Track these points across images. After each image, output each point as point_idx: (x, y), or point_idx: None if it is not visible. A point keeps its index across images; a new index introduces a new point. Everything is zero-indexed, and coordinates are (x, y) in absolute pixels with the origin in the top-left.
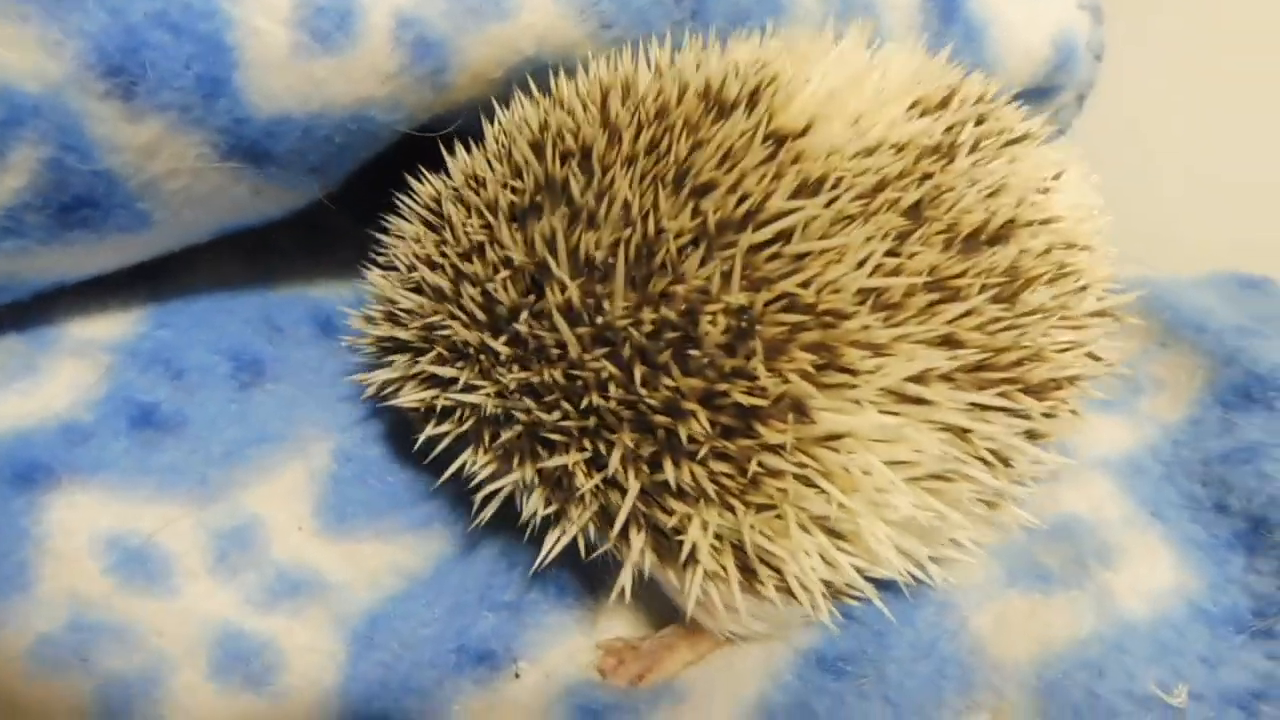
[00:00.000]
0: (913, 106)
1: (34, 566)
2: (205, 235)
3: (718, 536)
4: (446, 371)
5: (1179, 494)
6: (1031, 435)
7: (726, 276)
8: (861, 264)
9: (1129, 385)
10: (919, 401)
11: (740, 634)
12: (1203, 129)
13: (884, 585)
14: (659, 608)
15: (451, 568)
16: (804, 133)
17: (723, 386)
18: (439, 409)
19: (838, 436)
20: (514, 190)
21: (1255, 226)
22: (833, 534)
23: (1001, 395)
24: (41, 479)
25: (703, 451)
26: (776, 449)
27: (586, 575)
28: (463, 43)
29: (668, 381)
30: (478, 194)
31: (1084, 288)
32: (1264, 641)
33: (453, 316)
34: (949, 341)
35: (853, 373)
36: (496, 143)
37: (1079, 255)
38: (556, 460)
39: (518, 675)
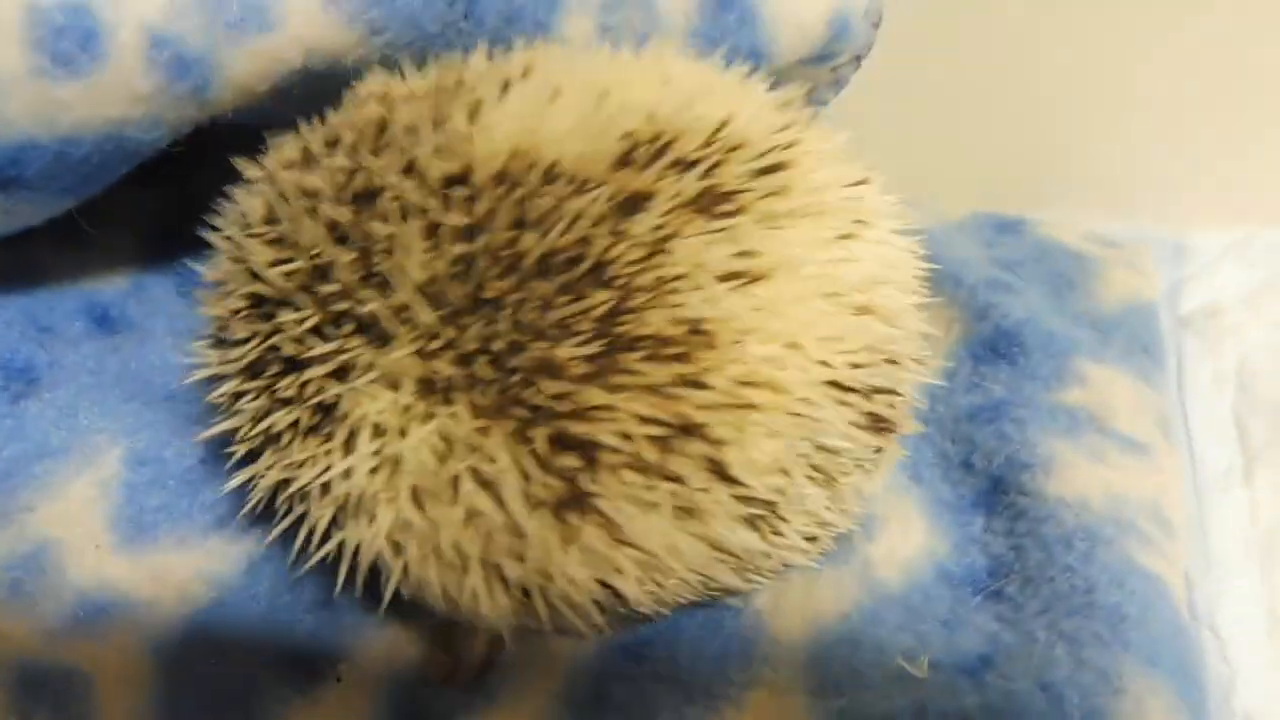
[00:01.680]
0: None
1: None
2: None
3: None
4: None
5: (934, 453)
6: None
7: None
8: None
9: None
10: None
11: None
12: (967, 65)
13: None
14: None
15: (262, 570)
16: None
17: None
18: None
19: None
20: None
21: (1011, 164)
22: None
23: None
24: None
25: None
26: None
27: None
28: (224, 58)
29: None
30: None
31: None
32: (994, 603)
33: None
34: None
35: None
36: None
37: None
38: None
39: (339, 679)
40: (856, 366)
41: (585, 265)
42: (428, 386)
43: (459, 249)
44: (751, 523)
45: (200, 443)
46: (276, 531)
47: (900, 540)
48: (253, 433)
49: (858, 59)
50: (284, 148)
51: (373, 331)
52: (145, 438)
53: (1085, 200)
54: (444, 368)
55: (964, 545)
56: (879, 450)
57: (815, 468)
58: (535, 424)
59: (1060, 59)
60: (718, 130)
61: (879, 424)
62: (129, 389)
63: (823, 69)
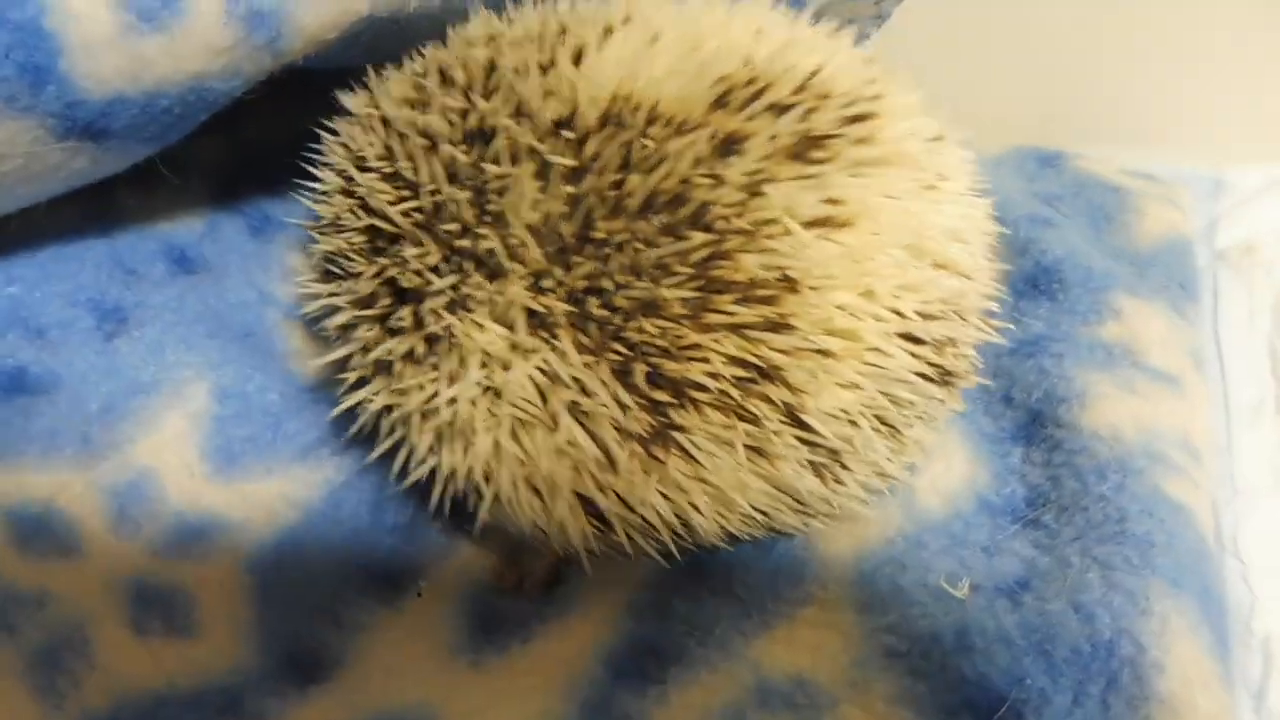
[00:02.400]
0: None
1: None
2: (42, 199)
3: None
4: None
5: (976, 388)
6: None
7: None
8: None
9: None
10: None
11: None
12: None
13: None
14: None
15: (344, 495)
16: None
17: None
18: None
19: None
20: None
21: (1051, 100)
22: None
23: None
24: None
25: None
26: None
27: None
28: (295, 9)
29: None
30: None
31: None
32: (1031, 530)
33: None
34: None
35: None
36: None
37: None
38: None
39: (420, 594)
40: (929, 318)
41: (686, 208)
42: (536, 321)
43: (568, 189)
44: (816, 469)
45: (282, 375)
46: (376, 454)
47: (943, 471)
48: (365, 361)
49: None
50: (393, 85)
51: (486, 267)
52: (229, 373)
53: (1124, 136)
54: (552, 304)
55: (1004, 476)
56: (941, 402)
57: (881, 419)
58: (634, 360)
59: None
60: (809, 78)
61: (945, 376)
62: (210, 326)
63: (866, 3)
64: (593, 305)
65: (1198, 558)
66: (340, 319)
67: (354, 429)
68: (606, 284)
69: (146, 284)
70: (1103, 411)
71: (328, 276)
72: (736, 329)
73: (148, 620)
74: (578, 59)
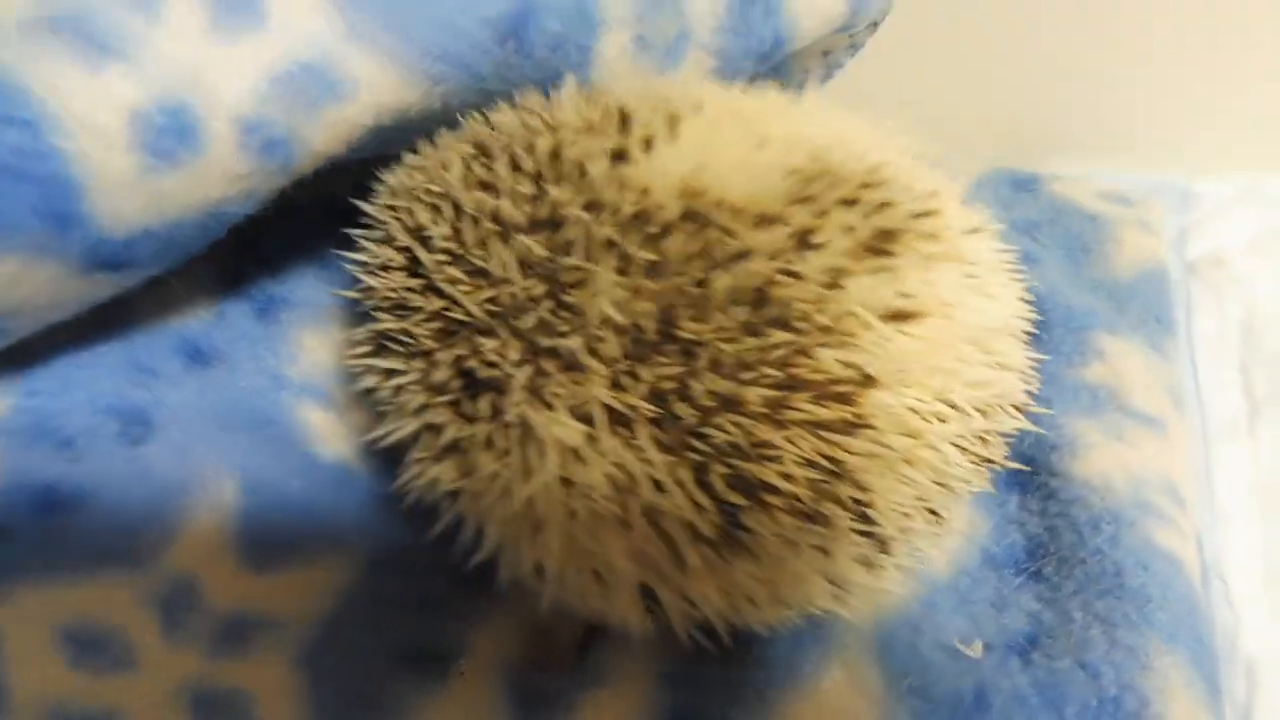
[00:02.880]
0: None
1: (3, 678)
2: (59, 320)
3: None
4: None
5: None
6: None
7: None
8: None
9: None
10: None
11: None
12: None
13: None
14: None
15: (379, 576)
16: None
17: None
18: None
19: None
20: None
21: (1021, 117)
22: None
23: None
24: None
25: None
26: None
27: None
28: (306, 133)
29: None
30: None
31: None
32: (1034, 584)
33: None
34: None
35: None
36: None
37: None
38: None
39: (462, 673)
40: (984, 413)
41: (768, 304)
42: (614, 417)
43: (650, 285)
44: (864, 559)
45: (303, 461)
46: (438, 529)
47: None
48: (436, 443)
49: (875, 24)
50: (453, 164)
51: (565, 361)
52: (254, 464)
53: (1095, 149)
54: (633, 400)
55: (1003, 526)
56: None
57: (932, 511)
58: (713, 461)
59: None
60: (873, 172)
61: (984, 462)
62: (230, 419)
63: (841, 37)
64: (674, 403)
65: (1189, 608)
66: (410, 401)
67: (406, 505)
68: (689, 381)
69: (164, 382)
70: (1093, 461)
71: (384, 351)
72: (813, 427)
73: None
74: (648, 148)
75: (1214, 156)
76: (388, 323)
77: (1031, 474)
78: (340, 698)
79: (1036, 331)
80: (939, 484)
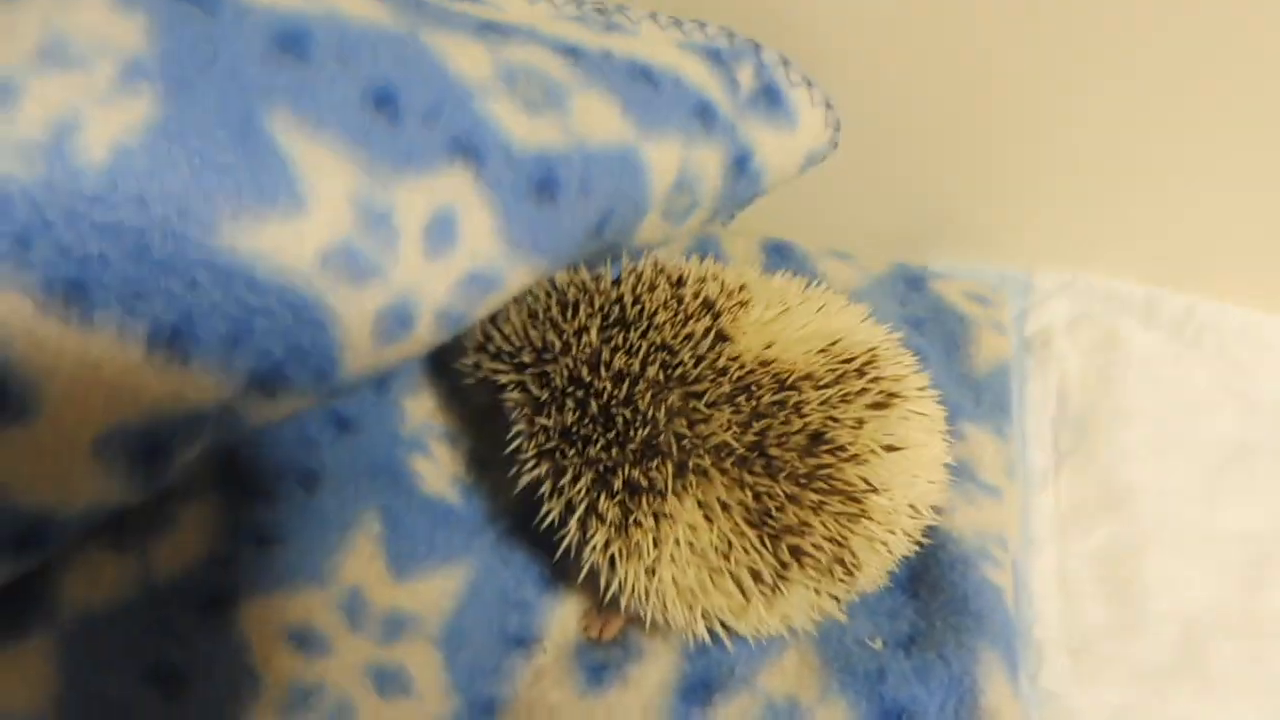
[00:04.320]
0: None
1: (253, 667)
2: None
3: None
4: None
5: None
6: None
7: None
8: None
9: None
10: None
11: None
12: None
13: None
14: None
15: (482, 585)
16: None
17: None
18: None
19: None
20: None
21: (915, 217)
22: None
23: None
24: None
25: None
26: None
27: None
28: (473, 314)
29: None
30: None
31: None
32: (914, 601)
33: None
34: None
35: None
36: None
37: None
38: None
39: (545, 650)
40: (921, 510)
41: (823, 441)
42: (723, 507)
43: (752, 427)
44: (833, 597)
45: (424, 502)
46: (582, 574)
47: None
48: (571, 520)
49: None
50: (589, 340)
51: (694, 473)
52: (391, 503)
53: (965, 245)
54: (736, 495)
55: (899, 563)
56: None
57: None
58: (780, 537)
59: (949, 112)
60: (871, 350)
61: (915, 540)
62: (369, 470)
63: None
64: (762, 499)
65: (1005, 623)
66: (576, 498)
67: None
68: (773, 486)
69: (323, 447)
70: (954, 519)
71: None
72: (835, 516)
73: (390, 691)
74: (734, 331)
75: (1046, 255)
76: (556, 442)
77: None
78: (470, 668)
79: None
80: (890, 553)
